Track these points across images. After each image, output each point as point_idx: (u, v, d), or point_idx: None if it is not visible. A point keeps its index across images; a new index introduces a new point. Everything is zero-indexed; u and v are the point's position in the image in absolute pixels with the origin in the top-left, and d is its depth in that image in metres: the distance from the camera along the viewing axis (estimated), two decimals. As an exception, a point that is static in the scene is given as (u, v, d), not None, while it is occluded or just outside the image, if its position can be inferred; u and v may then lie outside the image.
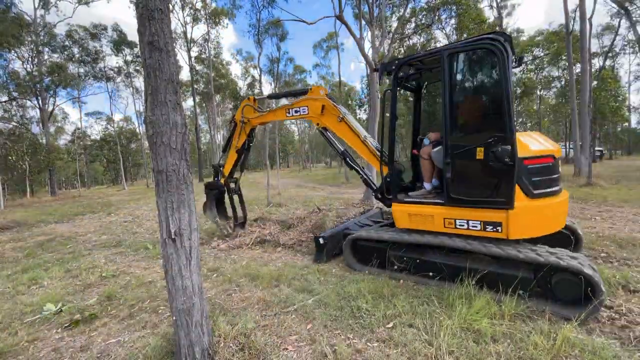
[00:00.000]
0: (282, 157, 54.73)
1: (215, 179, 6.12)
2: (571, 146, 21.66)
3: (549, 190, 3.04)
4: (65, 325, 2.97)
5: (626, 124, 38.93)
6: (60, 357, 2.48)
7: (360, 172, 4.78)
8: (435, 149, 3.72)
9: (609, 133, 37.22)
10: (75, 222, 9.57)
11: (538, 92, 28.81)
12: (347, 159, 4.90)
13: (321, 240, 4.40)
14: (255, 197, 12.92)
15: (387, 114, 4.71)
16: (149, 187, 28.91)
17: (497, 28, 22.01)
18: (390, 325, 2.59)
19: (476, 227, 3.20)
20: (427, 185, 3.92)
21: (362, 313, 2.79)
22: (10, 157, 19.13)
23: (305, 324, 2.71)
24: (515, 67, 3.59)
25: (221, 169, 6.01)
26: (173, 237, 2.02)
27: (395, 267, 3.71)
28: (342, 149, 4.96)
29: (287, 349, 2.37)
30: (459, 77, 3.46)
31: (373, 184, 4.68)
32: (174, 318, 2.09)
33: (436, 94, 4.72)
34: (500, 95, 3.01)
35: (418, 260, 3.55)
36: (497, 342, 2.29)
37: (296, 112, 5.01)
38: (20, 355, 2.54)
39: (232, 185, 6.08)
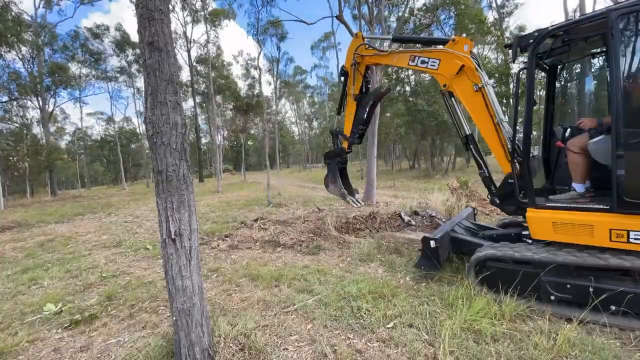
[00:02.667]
0: (282, 157, 54.76)
1: (335, 146, 5.19)
2: (571, 146, 21.63)
3: None
4: (66, 325, 2.97)
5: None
6: (60, 357, 2.48)
7: (483, 167, 3.78)
8: (595, 140, 2.92)
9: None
10: (76, 223, 9.57)
11: (538, 92, 28.81)
12: (472, 145, 3.88)
13: (432, 244, 3.46)
14: (256, 197, 12.93)
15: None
16: (149, 187, 28.92)
17: (497, 28, 22.06)
18: (391, 325, 2.59)
19: None
20: (579, 187, 3.09)
21: (362, 313, 2.79)
22: (10, 158, 19.13)
23: (305, 324, 2.71)
24: None
25: (341, 132, 5.05)
26: (173, 237, 2.02)
27: (553, 297, 2.76)
28: (469, 132, 3.93)
29: (287, 349, 2.37)
30: (637, 44, 2.57)
31: (493, 184, 3.69)
32: (174, 318, 2.09)
33: (580, 73, 3.95)
34: None
35: (585, 290, 2.60)
36: (498, 342, 2.29)
37: (423, 62, 3.98)
38: (20, 355, 2.54)
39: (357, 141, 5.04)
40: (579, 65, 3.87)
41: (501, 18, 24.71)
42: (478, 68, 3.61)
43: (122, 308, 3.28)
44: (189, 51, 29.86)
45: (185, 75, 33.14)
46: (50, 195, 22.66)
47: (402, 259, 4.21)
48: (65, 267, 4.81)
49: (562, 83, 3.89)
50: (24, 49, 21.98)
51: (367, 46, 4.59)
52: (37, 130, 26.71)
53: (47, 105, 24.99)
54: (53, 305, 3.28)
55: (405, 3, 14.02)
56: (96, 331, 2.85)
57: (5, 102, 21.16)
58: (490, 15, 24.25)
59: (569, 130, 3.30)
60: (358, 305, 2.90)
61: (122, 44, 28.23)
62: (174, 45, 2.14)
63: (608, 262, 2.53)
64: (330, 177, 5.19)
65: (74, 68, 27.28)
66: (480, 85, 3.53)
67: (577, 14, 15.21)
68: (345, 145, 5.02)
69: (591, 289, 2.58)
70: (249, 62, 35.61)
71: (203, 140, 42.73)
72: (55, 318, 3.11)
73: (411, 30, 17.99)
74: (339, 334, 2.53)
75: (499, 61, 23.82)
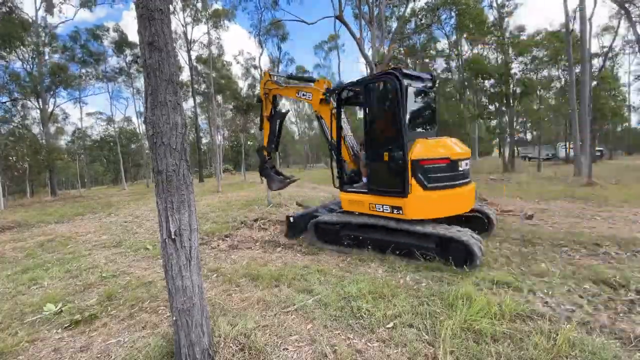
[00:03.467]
0: (282, 157, 54.72)
1: (261, 160, 6.82)
2: (571, 146, 21.66)
3: (443, 184, 4.08)
4: (66, 325, 2.97)
5: (626, 123, 38.92)
6: (60, 357, 2.48)
7: (337, 164, 5.42)
8: (362, 153, 5.07)
9: (609, 133, 37.19)
10: (76, 223, 9.57)
11: (538, 92, 28.79)
12: (333, 150, 5.49)
13: (291, 219, 5.50)
14: (256, 197, 12.92)
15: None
16: (149, 187, 28.91)
17: (497, 28, 22.02)
18: (391, 325, 2.59)
19: (387, 210, 4.36)
20: (364, 179, 5.11)
21: (362, 313, 2.79)
22: (10, 158, 19.10)
23: (305, 324, 2.71)
24: (429, 86, 4.83)
25: (263, 147, 6.73)
26: (173, 237, 2.02)
27: (346, 243, 4.86)
28: (331, 140, 5.54)
29: (287, 349, 2.37)
30: (372, 101, 4.71)
31: (339, 177, 5.47)
32: (174, 318, 2.09)
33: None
34: (396, 115, 4.14)
35: (361, 238, 4.71)
36: (497, 342, 2.29)
37: (303, 95, 5.87)
38: (20, 356, 2.54)
39: (274, 147, 6.73)
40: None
41: (501, 18, 24.66)
42: (326, 101, 5.43)
43: (122, 308, 3.28)
44: (189, 51, 29.85)
45: (185, 75, 33.14)
46: (50, 195, 22.65)
47: (402, 259, 4.20)
48: (65, 267, 4.81)
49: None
50: (24, 50, 21.99)
51: (271, 82, 6.39)
52: (36, 130, 26.69)
53: (47, 106, 24.98)
54: (53, 305, 3.28)
55: (406, 3, 14.00)
56: (96, 331, 2.85)
57: (5, 102, 21.15)
58: (490, 15, 24.23)
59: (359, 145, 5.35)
60: (358, 305, 2.90)
61: (120, 44, 28.20)
62: (174, 45, 2.14)
63: (366, 221, 4.59)
64: (270, 181, 6.76)
65: (73, 68, 27.30)
66: (333, 112, 5.24)
67: (577, 14, 15.21)
68: (266, 154, 6.70)
69: (360, 237, 4.71)
70: (249, 61, 35.57)
71: (203, 140, 42.70)
72: (55, 318, 3.11)
73: (412, 30, 17.99)
74: (339, 334, 2.53)
75: (499, 61, 23.79)
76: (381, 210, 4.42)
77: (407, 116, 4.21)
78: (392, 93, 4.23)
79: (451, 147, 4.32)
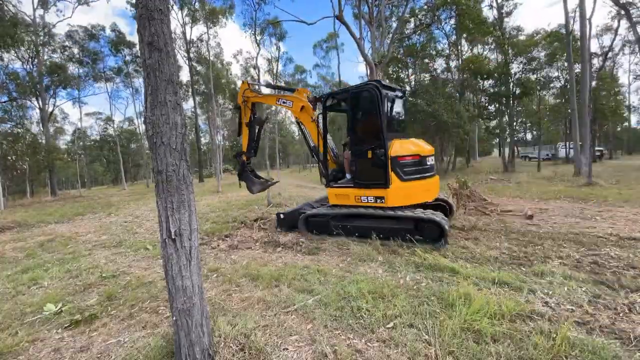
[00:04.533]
0: (282, 157, 54.73)
1: (240, 165, 7.11)
2: (571, 146, 21.67)
3: (415, 176, 4.92)
4: (66, 325, 2.96)
5: (626, 123, 38.92)
6: (60, 358, 2.48)
7: (321, 165, 6.05)
8: (347, 151, 5.66)
9: (609, 133, 37.19)
10: (76, 223, 9.57)
11: (538, 92, 28.81)
12: (314, 152, 6.16)
13: (281, 216, 6.32)
14: (256, 197, 12.91)
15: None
16: (149, 187, 28.90)
17: (497, 28, 22.01)
18: (391, 325, 2.59)
19: (371, 200, 5.07)
20: (348, 176, 5.71)
21: (362, 313, 2.79)
22: (9, 158, 19.09)
23: (305, 324, 2.71)
24: (401, 96, 5.71)
25: (240, 153, 7.07)
26: (173, 237, 2.02)
27: (335, 232, 5.43)
28: (313, 145, 6.13)
29: (287, 349, 2.36)
30: (356, 107, 5.38)
31: (325, 176, 6.02)
32: (174, 318, 2.09)
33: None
34: (377, 119, 4.89)
35: (348, 226, 5.33)
36: (497, 342, 2.29)
37: (283, 102, 6.37)
38: (20, 356, 2.54)
39: (253, 152, 7.03)
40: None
41: (501, 18, 24.66)
42: (312, 107, 5.95)
43: (122, 308, 3.28)
44: (188, 51, 29.85)
45: (185, 75, 33.15)
46: (50, 195, 22.65)
47: (402, 259, 4.20)
48: (65, 267, 4.81)
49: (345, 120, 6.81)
50: (22, 49, 21.94)
51: (250, 90, 6.74)
52: (36, 129, 26.67)
53: (46, 105, 24.97)
54: (53, 305, 3.28)
55: (406, 3, 13.99)
56: (96, 331, 2.84)
57: (4, 102, 21.13)
58: (490, 15, 24.23)
59: (343, 145, 6.14)
60: (358, 305, 2.90)
61: (117, 44, 28.19)
62: (174, 45, 2.14)
63: (356, 211, 5.21)
64: (250, 184, 7.00)
65: (72, 68, 27.29)
66: (314, 118, 5.91)
67: (577, 14, 15.21)
68: (245, 158, 6.99)
69: (349, 226, 5.32)
70: (248, 60, 35.58)
71: (203, 140, 42.69)
72: (55, 318, 3.11)
73: (411, 30, 17.98)
74: (339, 334, 2.53)
75: (499, 61, 23.79)
76: (366, 201, 5.11)
77: (386, 120, 4.92)
78: (373, 100, 4.91)
79: (420, 145, 5.19)
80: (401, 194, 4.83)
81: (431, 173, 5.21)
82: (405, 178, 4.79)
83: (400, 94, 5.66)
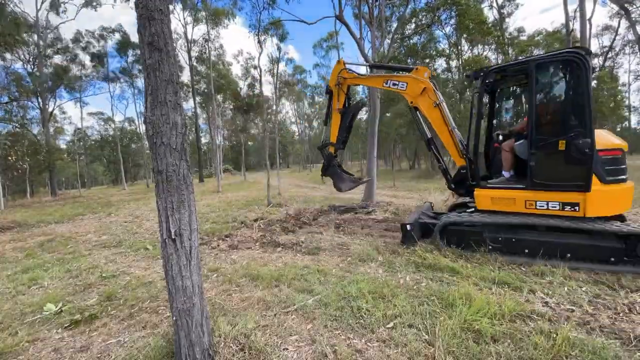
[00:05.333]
0: (282, 157, 54.76)
1: (325, 159, 6.19)
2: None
3: (618, 177, 3.65)
4: (66, 325, 2.96)
5: (626, 123, 38.93)
6: (60, 357, 2.48)
7: (441, 161, 5.19)
8: (518, 142, 4.30)
9: (609, 133, 37.13)
10: (76, 223, 9.57)
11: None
12: (433, 146, 5.22)
13: (408, 227, 4.92)
14: (256, 197, 12.93)
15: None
16: (149, 187, 28.91)
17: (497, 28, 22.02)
18: (391, 325, 2.59)
19: (555, 207, 3.81)
20: (507, 174, 4.49)
21: (362, 313, 2.79)
22: (9, 158, 19.10)
23: (305, 324, 2.71)
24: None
25: (327, 143, 6.10)
26: (173, 237, 2.02)
27: (490, 247, 4.16)
28: (430, 136, 5.23)
29: (287, 349, 2.36)
30: (545, 82, 4.13)
31: (449, 174, 5.07)
32: (174, 318, 2.09)
33: (508, 96, 5.46)
34: (583, 98, 3.62)
35: (513, 240, 4.05)
36: (497, 342, 2.29)
37: (394, 84, 5.24)
38: (20, 356, 2.54)
39: (342, 145, 6.05)
40: (508, 91, 5.36)
41: (501, 18, 24.70)
42: (435, 90, 4.89)
43: (122, 308, 3.28)
44: (189, 51, 29.86)
45: (185, 75, 33.17)
46: (50, 196, 22.65)
47: (402, 259, 4.20)
48: (65, 267, 4.81)
49: (498, 104, 5.40)
50: (24, 49, 21.96)
51: (348, 70, 5.70)
52: (36, 130, 26.70)
53: (47, 106, 24.99)
54: (53, 305, 3.28)
55: (406, 4, 13.99)
56: (96, 331, 2.84)
57: (5, 102, 21.14)
58: (491, 15, 24.25)
59: (501, 136, 4.68)
60: (358, 305, 2.90)
61: (124, 45, 28.31)
62: (174, 45, 2.14)
63: (525, 221, 3.95)
64: (339, 181, 6.03)
65: (75, 69, 27.36)
66: (437, 102, 4.82)
67: (577, 14, 15.22)
68: (332, 150, 6.03)
69: (513, 240, 4.04)
70: (249, 60, 35.57)
71: (203, 140, 42.73)
72: (55, 318, 3.11)
73: (412, 30, 17.99)
74: (339, 334, 2.53)
75: (499, 61, 23.81)
76: (545, 207, 3.85)
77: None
78: (579, 74, 3.68)
79: (619, 138, 3.91)
80: (604, 200, 3.60)
81: (627, 175, 3.88)
82: (608, 180, 3.60)
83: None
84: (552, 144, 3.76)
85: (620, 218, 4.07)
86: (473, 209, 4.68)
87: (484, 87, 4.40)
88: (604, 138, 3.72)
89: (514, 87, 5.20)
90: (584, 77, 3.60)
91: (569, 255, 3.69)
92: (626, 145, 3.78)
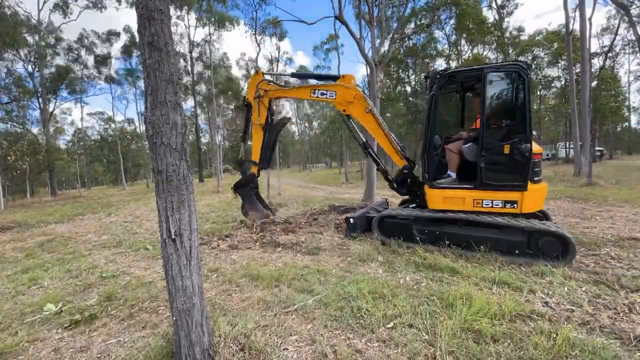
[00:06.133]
0: (282, 157, 54.78)
1: (243, 175, 5.81)
2: (571, 146, 21.65)
3: (540, 177, 4.20)
4: (66, 325, 2.96)
5: (626, 123, 38.93)
6: (60, 358, 2.48)
7: (380, 163, 5.37)
8: (467, 145, 4.58)
9: (609, 133, 37.17)
10: (76, 223, 9.57)
11: (538, 92, 28.83)
12: (369, 149, 5.36)
13: (351, 220, 5.32)
14: (256, 198, 12.91)
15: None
16: (149, 187, 28.91)
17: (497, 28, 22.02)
18: (391, 325, 2.59)
19: (498, 205, 4.22)
20: (453, 175, 4.77)
21: (362, 313, 2.79)
22: (9, 158, 19.10)
23: (305, 324, 2.71)
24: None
25: (248, 161, 5.74)
26: (173, 237, 2.02)
27: (418, 239, 4.57)
28: (364, 140, 5.36)
29: (287, 349, 2.36)
30: (494, 89, 4.43)
31: (388, 174, 5.35)
32: (174, 318, 2.09)
33: (455, 100, 5.66)
34: (524, 106, 4.07)
35: (437, 232, 4.49)
36: (497, 342, 2.29)
37: (322, 94, 5.20)
38: (20, 356, 2.54)
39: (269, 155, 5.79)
40: (457, 96, 5.57)
41: (501, 18, 24.68)
42: (365, 97, 5.03)
43: (122, 308, 3.28)
44: (190, 52, 29.89)
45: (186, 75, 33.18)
46: (50, 196, 22.66)
47: (402, 259, 4.21)
48: (65, 267, 4.81)
49: (445, 106, 5.59)
50: (24, 49, 21.95)
51: (267, 82, 5.46)
52: (36, 130, 26.73)
53: (47, 106, 24.99)
54: (53, 305, 3.28)
55: (406, 3, 13.99)
56: (96, 331, 2.84)
57: (6, 103, 21.14)
58: (490, 15, 24.24)
59: (445, 138, 4.96)
60: (358, 305, 2.90)
61: (129, 47, 28.43)
62: (175, 45, 2.14)
63: (445, 217, 4.41)
64: (248, 205, 5.79)
65: (77, 69, 27.38)
66: (369, 109, 4.98)
67: (577, 14, 15.21)
68: (254, 170, 5.66)
69: (437, 232, 4.46)
70: (250, 62, 35.60)
71: (203, 140, 42.73)
72: (55, 318, 3.11)
73: (412, 30, 17.98)
74: (339, 334, 2.53)
75: (499, 61, 23.80)
76: (490, 205, 4.24)
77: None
78: (521, 84, 4.11)
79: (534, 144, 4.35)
80: (534, 197, 4.12)
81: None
82: (536, 179, 4.13)
83: None
84: (498, 148, 4.18)
85: (545, 216, 4.71)
86: (414, 205, 5.23)
87: (439, 90, 4.62)
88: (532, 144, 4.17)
89: (463, 93, 5.53)
90: (525, 87, 4.05)
91: (482, 246, 4.09)
92: (542, 150, 4.35)
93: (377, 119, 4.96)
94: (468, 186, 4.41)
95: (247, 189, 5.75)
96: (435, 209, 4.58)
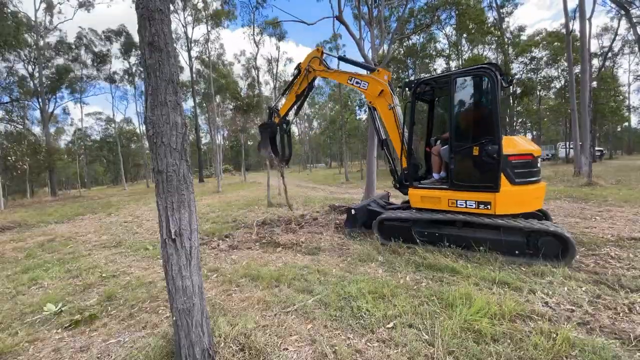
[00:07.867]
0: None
1: (269, 120, 6.51)
2: (571, 146, 21.66)
3: (527, 179, 4.07)
4: (66, 325, 2.96)
5: (626, 123, 38.93)
6: (60, 358, 2.48)
7: (392, 162, 5.50)
8: (443, 147, 4.80)
9: (609, 133, 37.18)
10: (76, 223, 9.57)
11: (538, 92, 28.83)
12: (385, 147, 5.52)
13: (353, 211, 5.45)
14: (256, 197, 12.92)
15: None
16: (149, 187, 28.91)
17: (498, 27, 22.03)
18: (391, 325, 2.59)
19: (472, 205, 4.28)
20: (436, 175, 5.04)
21: (362, 313, 2.79)
22: (9, 158, 19.10)
23: (305, 324, 2.71)
24: (506, 87, 4.67)
25: (277, 110, 6.42)
26: (173, 237, 2.02)
27: (418, 240, 4.64)
28: (384, 137, 5.58)
29: (287, 349, 2.36)
30: (462, 94, 4.50)
31: (396, 174, 5.42)
32: (174, 318, 2.09)
33: (444, 105, 5.75)
34: (491, 109, 4.12)
35: (437, 234, 4.56)
36: (498, 342, 2.29)
37: (357, 82, 5.56)
38: (20, 356, 2.54)
39: (285, 126, 6.50)
40: (440, 100, 5.83)
41: (501, 18, 24.68)
42: (392, 94, 5.23)
43: (122, 308, 3.28)
44: (189, 51, 29.88)
45: (185, 76, 33.17)
46: (50, 196, 22.64)
47: (402, 259, 4.21)
48: (65, 267, 4.81)
49: (435, 110, 5.90)
50: (25, 50, 21.94)
51: (319, 61, 5.92)
52: (36, 130, 26.75)
53: (47, 106, 24.99)
54: (53, 305, 3.28)
55: (405, 4, 13.99)
56: (96, 331, 2.84)
57: (6, 103, 21.14)
58: (490, 15, 24.24)
59: (438, 142, 5.19)
60: (358, 305, 2.90)
61: (128, 46, 28.42)
62: (175, 45, 2.14)
63: (445, 217, 4.40)
64: (262, 144, 6.51)
65: (76, 68, 27.37)
66: (392, 105, 5.16)
67: (577, 14, 15.21)
68: (276, 120, 6.36)
69: (437, 234, 4.53)
70: (250, 61, 35.61)
71: (203, 140, 42.73)
72: (55, 318, 3.11)
73: (411, 30, 17.98)
74: (339, 334, 2.53)
75: (499, 61, 23.78)
76: (464, 206, 4.32)
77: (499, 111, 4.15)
78: (489, 87, 4.15)
79: (532, 143, 4.42)
80: (512, 200, 4.05)
81: (540, 177, 4.34)
82: (518, 181, 4.02)
83: (505, 84, 4.65)
84: (467, 149, 4.25)
85: (546, 216, 4.72)
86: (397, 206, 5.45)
87: (414, 97, 4.88)
88: (517, 144, 4.16)
89: (443, 97, 5.64)
90: (493, 90, 4.06)
91: (482, 247, 4.11)
92: (539, 151, 4.25)
93: (396, 117, 5.12)
94: (444, 187, 4.59)
95: (266, 132, 6.46)
96: (416, 207, 4.85)
